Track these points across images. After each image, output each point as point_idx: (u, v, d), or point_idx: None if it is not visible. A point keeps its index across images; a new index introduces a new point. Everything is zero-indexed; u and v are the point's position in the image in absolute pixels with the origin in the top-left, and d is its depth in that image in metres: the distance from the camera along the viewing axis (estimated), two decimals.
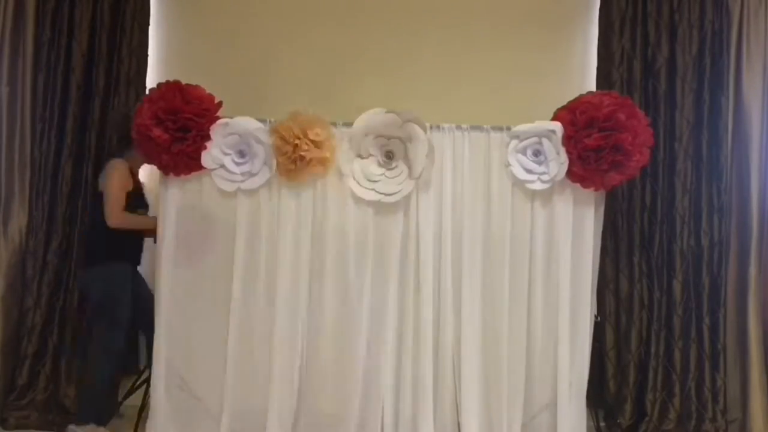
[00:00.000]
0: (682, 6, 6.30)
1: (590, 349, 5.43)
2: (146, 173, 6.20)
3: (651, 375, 6.20)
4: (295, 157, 5.13)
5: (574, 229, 5.37)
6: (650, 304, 6.26)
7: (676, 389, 6.15)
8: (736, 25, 6.29)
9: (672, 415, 6.12)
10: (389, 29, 6.64)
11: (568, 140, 5.19)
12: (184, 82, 5.24)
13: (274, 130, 5.20)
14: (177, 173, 5.29)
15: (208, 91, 5.28)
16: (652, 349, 6.21)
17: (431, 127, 5.29)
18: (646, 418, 6.13)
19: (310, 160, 5.15)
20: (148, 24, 6.51)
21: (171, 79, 5.29)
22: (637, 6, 6.38)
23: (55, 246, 6.29)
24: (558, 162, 5.24)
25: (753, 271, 6.15)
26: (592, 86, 6.42)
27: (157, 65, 6.58)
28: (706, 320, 6.17)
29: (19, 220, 6.25)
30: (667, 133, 6.28)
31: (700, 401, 6.13)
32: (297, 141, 5.10)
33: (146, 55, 6.49)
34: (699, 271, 6.20)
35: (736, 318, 6.22)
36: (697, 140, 6.25)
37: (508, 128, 5.31)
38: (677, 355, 6.19)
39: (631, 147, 5.07)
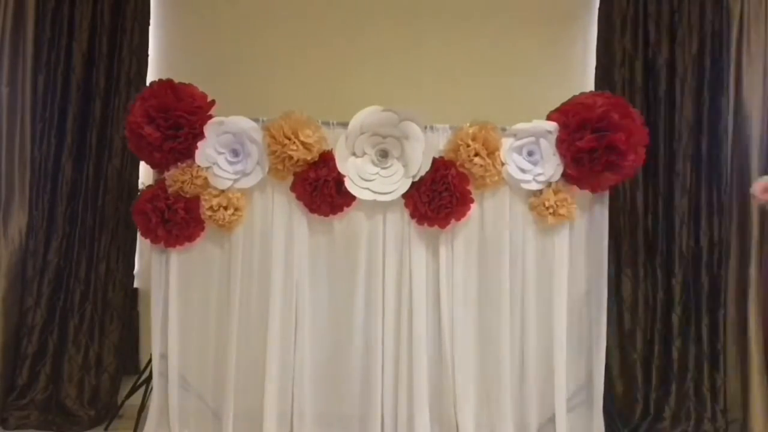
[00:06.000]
0: (682, 6, 6.28)
1: (603, 358, 5.40)
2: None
3: (654, 374, 6.20)
4: (284, 157, 5.14)
5: (572, 231, 5.36)
6: (654, 304, 6.24)
7: (672, 388, 6.12)
8: (736, 25, 6.25)
9: (667, 413, 6.09)
10: (389, 29, 6.66)
11: (561, 143, 5.16)
12: (185, 82, 5.26)
13: (265, 129, 5.21)
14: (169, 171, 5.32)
15: (208, 91, 5.29)
16: (656, 349, 6.20)
17: (425, 128, 5.27)
18: (649, 418, 6.13)
19: (297, 160, 5.15)
20: (148, 24, 6.52)
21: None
22: (638, 6, 6.36)
23: (55, 246, 6.31)
24: (554, 163, 5.22)
25: (753, 271, 6.10)
26: (591, 86, 6.41)
27: (157, 65, 6.59)
28: (705, 320, 6.15)
29: (19, 220, 6.26)
30: (666, 133, 6.25)
31: (698, 401, 6.11)
32: (286, 141, 5.11)
33: (146, 55, 6.50)
34: (698, 271, 6.18)
35: (737, 318, 6.19)
36: (697, 140, 6.22)
37: (504, 129, 5.28)
38: (675, 354, 6.17)
39: (625, 147, 5.03)
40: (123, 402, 6.04)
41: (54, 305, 6.30)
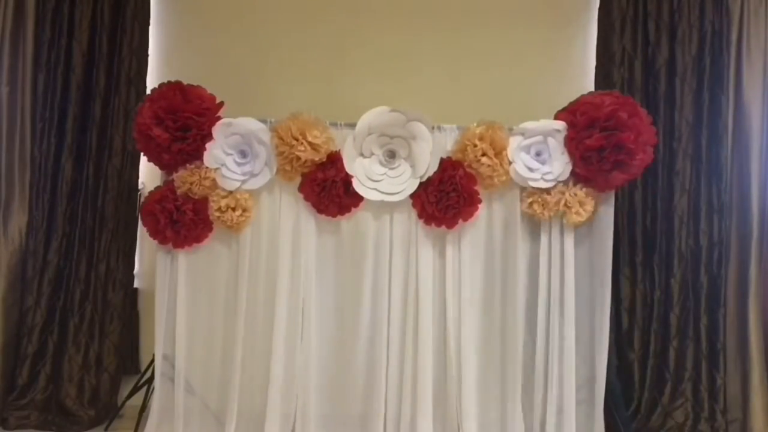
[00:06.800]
0: (682, 6, 6.29)
1: (605, 358, 5.40)
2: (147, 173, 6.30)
3: (650, 373, 6.22)
4: (291, 158, 5.15)
5: (578, 231, 5.36)
6: (651, 303, 6.25)
7: (667, 388, 6.14)
8: (736, 25, 6.25)
9: (662, 413, 6.11)
10: (390, 30, 6.66)
11: (570, 142, 5.17)
12: (184, 82, 5.26)
13: (273, 130, 5.22)
14: (177, 172, 5.31)
15: (208, 90, 5.29)
16: (651, 348, 6.21)
17: (432, 129, 5.28)
18: (639, 416, 6.14)
19: (305, 161, 5.16)
20: (149, 24, 6.51)
21: (171, 78, 5.29)
22: (638, 5, 6.37)
23: (55, 246, 6.29)
24: (563, 161, 5.23)
25: (753, 271, 6.11)
26: (591, 86, 6.41)
27: (157, 65, 6.58)
28: (704, 320, 6.15)
29: (19, 220, 6.23)
30: (666, 132, 6.26)
31: (696, 401, 6.12)
32: (294, 142, 5.11)
33: (146, 55, 6.49)
34: (697, 270, 6.19)
35: (737, 318, 6.18)
36: (697, 140, 6.23)
37: (511, 129, 5.29)
38: (672, 353, 6.18)
39: (633, 146, 5.05)
40: (124, 402, 6.02)
41: (54, 305, 6.29)
